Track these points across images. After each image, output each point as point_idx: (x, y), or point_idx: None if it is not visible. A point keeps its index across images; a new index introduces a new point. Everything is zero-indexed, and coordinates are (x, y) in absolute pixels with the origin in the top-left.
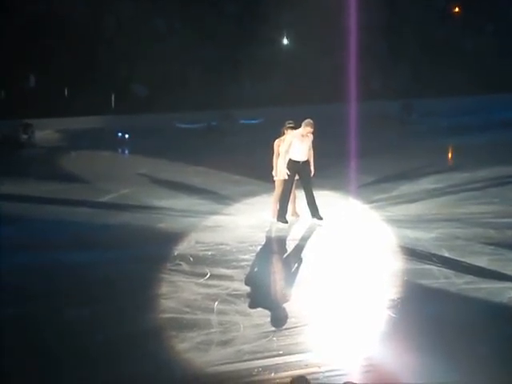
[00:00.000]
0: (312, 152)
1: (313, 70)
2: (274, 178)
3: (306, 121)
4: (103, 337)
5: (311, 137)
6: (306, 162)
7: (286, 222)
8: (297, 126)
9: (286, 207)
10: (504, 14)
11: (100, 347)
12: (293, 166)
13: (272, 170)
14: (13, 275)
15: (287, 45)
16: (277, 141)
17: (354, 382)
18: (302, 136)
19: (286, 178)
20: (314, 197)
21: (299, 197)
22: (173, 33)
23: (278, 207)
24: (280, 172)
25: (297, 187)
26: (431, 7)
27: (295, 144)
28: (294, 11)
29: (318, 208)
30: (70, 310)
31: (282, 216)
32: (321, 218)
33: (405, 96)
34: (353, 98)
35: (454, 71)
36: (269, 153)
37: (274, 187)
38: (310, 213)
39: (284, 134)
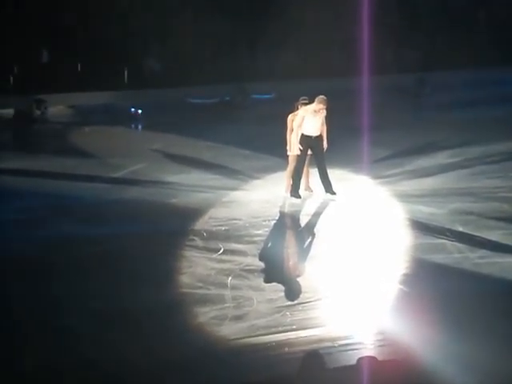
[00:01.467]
0: (325, 127)
1: (326, 43)
2: (288, 153)
3: (319, 97)
4: (115, 312)
5: (324, 112)
6: (319, 137)
7: (299, 197)
8: (311, 102)
9: (299, 182)
10: None
11: (112, 323)
12: (305, 140)
13: (286, 145)
14: (26, 249)
15: (300, 18)
16: (290, 116)
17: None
18: (315, 111)
19: (299, 153)
20: (327, 172)
21: (312, 172)
22: (185, 6)
23: (291, 182)
24: (293, 147)
25: (310, 162)
26: None
27: (308, 119)
28: None
29: (332, 183)
30: (82, 284)
31: (295, 191)
32: (334, 193)
33: (419, 69)
34: (366, 71)
35: (469, 43)
36: (282, 128)
37: (287, 162)
38: (323, 188)
39: (298, 109)
